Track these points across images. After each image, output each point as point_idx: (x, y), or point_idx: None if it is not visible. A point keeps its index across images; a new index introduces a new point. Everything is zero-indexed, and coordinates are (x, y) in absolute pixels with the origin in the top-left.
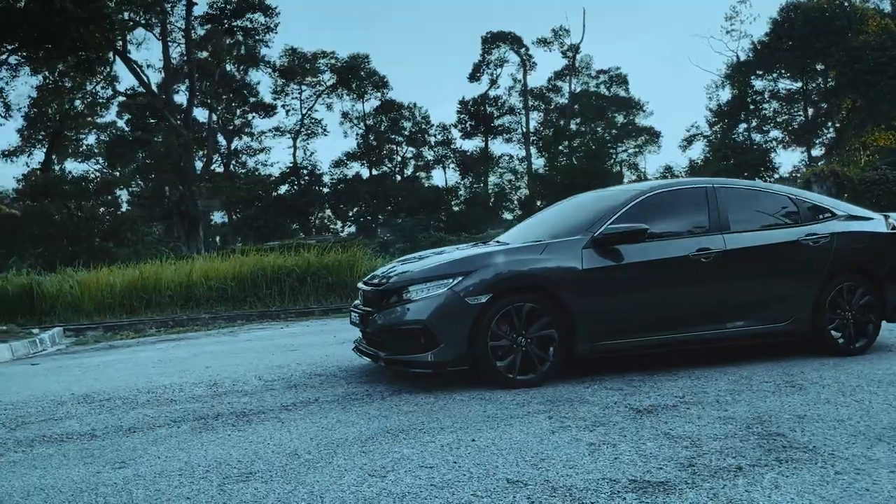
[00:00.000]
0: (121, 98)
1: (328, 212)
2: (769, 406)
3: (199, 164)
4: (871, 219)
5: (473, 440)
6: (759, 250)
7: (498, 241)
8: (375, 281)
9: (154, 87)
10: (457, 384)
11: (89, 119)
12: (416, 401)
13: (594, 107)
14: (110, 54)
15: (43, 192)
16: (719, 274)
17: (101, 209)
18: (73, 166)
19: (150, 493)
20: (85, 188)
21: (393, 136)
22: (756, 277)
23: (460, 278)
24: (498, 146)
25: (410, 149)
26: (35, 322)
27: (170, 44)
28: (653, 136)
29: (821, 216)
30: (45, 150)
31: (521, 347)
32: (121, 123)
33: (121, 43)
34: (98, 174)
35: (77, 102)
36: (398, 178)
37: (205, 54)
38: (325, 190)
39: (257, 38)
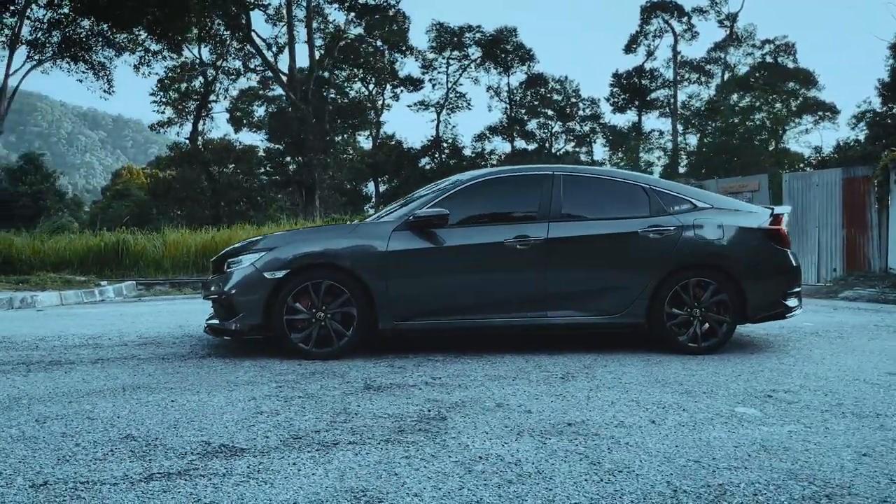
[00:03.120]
0: (258, 73)
1: None
2: (473, 394)
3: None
4: (746, 212)
5: (177, 400)
6: (587, 240)
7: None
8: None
9: (275, 62)
10: (277, 353)
11: (251, 92)
12: (209, 364)
13: (758, 79)
14: (221, 31)
15: (188, 159)
16: (539, 262)
17: (241, 175)
18: (245, 137)
19: None
20: (224, 156)
21: (541, 110)
22: (583, 267)
23: (263, 254)
24: (651, 121)
25: (558, 123)
26: (120, 275)
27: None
28: (825, 110)
29: (676, 208)
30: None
31: (319, 322)
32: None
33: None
34: (237, 143)
35: (223, 78)
36: (545, 152)
37: (352, 32)
38: (464, 164)
39: (377, 16)
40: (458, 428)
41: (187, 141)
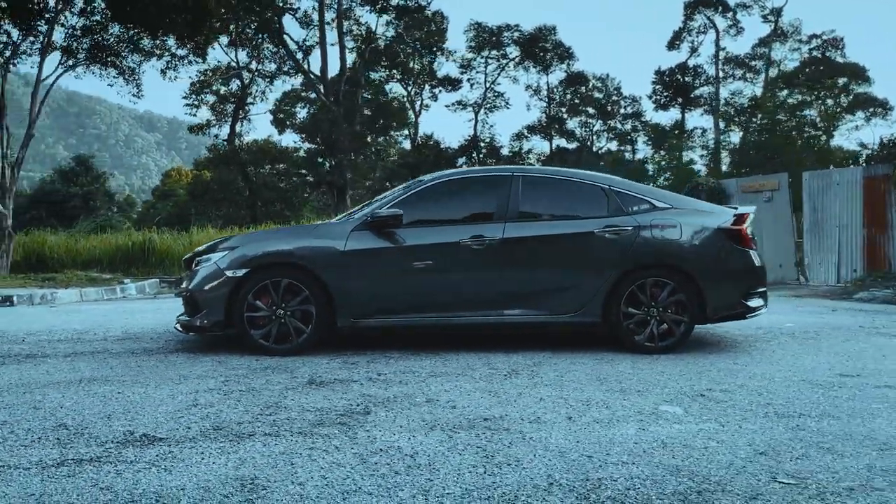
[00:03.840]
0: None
1: None
2: (409, 390)
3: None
4: (707, 213)
5: (123, 392)
6: (543, 239)
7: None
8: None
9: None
10: (240, 349)
11: (293, 94)
12: (172, 358)
13: (807, 75)
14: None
15: (225, 161)
16: (494, 261)
17: (277, 176)
18: (288, 138)
19: None
20: (258, 157)
21: (582, 108)
22: (539, 266)
23: (226, 253)
24: (695, 119)
25: (599, 121)
26: (146, 273)
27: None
28: (877, 106)
29: (635, 208)
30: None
31: (278, 319)
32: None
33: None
34: (272, 144)
35: (260, 81)
36: (587, 151)
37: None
38: (502, 164)
39: (416, 16)
40: (376, 422)
41: (225, 143)
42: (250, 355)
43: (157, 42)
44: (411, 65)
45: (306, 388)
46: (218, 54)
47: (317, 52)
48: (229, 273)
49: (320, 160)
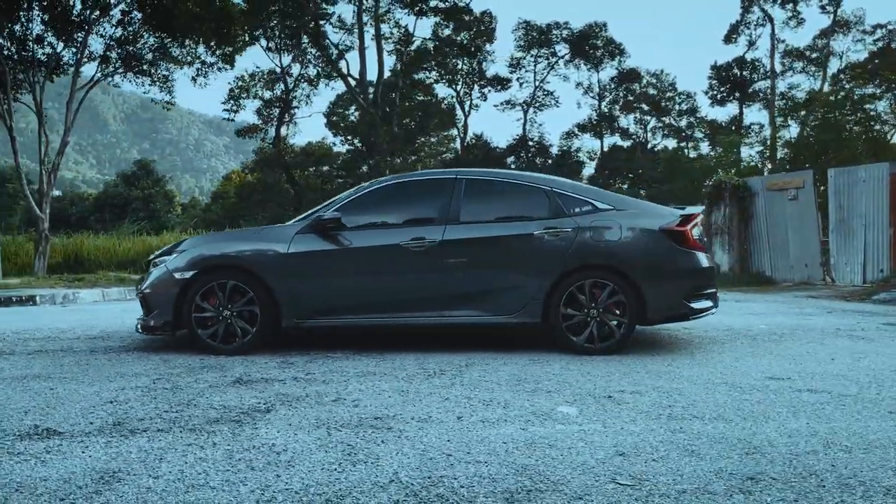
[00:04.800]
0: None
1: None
2: (324, 389)
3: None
4: (650, 214)
5: (55, 388)
6: (482, 241)
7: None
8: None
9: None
10: (192, 349)
11: (346, 97)
12: (122, 357)
13: (873, 66)
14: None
15: (269, 163)
16: (434, 263)
17: (319, 178)
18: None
19: None
20: (302, 159)
21: (637, 105)
22: (478, 268)
23: (175, 255)
24: (753, 114)
25: (652, 118)
26: None
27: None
28: None
29: (576, 210)
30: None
31: (225, 320)
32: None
33: (312, 25)
34: (316, 146)
35: (304, 85)
36: (641, 148)
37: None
38: (550, 163)
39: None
40: (270, 420)
41: (271, 145)
42: (197, 355)
43: (187, 50)
44: (459, 66)
45: (228, 387)
46: (259, 60)
47: (356, 56)
48: (178, 275)
49: (365, 161)
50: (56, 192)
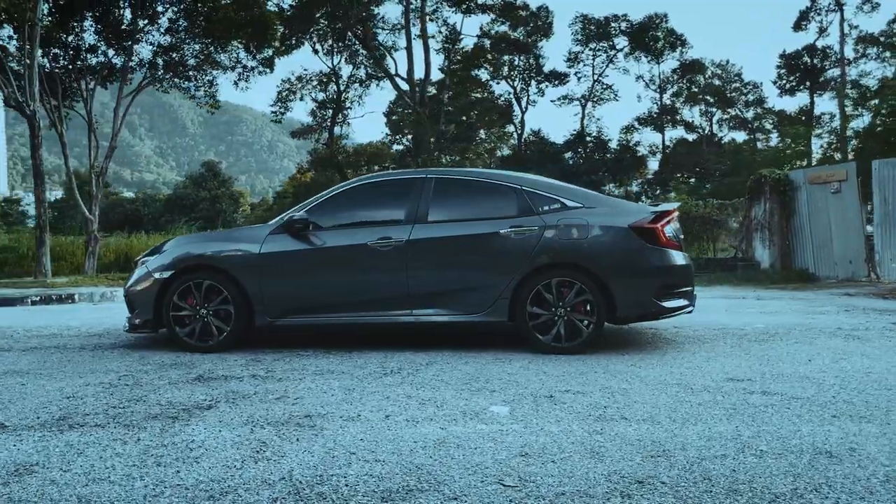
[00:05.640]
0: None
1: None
2: (274, 387)
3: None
4: (620, 212)
5: (27, 384)
6: (449, 240)
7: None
8: None
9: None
10: (172, 346)
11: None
12: (105, 354)
13: None
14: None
15: (323, 164)
16: (401, 262)
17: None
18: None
19: None
20: (354, 159)
21: (701, 97)
22: (445, 267)
23: (156, 256)
24: (825, 103)
25: (717, 110)
26: None
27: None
28: None
29: (545, 208)
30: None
31: (201, 319)
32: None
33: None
34: (367, 146)
35: (356, 86)
36: (707, 140)
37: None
38: (609, 157)
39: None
40: (206, 417)
41: (325, 145)
42: (175, 352)
43: (228, 55)
44: (516, 61)
45: (186, 384)
46: (309, 62)
47: (404, 55)
48: (157, 275)
49: (414, 160)
50: (129, 194)
